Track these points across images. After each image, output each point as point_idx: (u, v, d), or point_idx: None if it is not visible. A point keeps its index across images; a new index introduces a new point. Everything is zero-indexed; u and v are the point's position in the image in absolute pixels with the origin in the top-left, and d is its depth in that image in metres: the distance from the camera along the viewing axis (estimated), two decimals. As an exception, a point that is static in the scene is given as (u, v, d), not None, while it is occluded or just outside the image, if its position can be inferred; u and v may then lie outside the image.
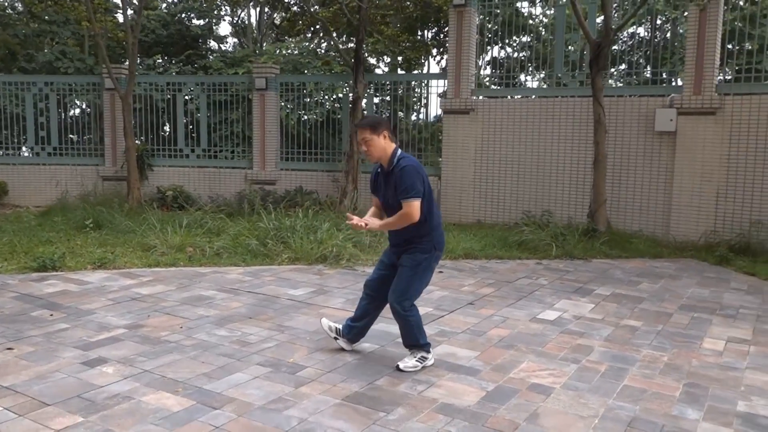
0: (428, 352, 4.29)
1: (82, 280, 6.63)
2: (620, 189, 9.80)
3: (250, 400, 3.69)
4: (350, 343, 4.57)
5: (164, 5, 20.38)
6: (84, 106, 14.80)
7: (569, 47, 12.02)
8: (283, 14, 21.16)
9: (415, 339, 4.24)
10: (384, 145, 4.08)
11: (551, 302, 6.06)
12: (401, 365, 4.19)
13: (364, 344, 4.70)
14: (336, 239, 7.88)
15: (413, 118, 13.87)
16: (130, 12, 13.50)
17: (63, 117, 14.18)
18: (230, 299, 5.95)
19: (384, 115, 13.02)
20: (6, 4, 22.30)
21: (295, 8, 17.17)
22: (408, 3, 14.33)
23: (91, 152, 13.38)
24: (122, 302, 5.79)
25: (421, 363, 4.22)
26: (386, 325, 5.10)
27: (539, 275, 7.25)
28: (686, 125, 9.19)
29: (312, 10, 14.25)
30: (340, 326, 4.57)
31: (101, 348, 4.54)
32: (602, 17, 9.09)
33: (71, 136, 13.94)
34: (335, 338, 4.56)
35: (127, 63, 18.34)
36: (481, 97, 10.96)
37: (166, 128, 14.18)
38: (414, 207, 3.97)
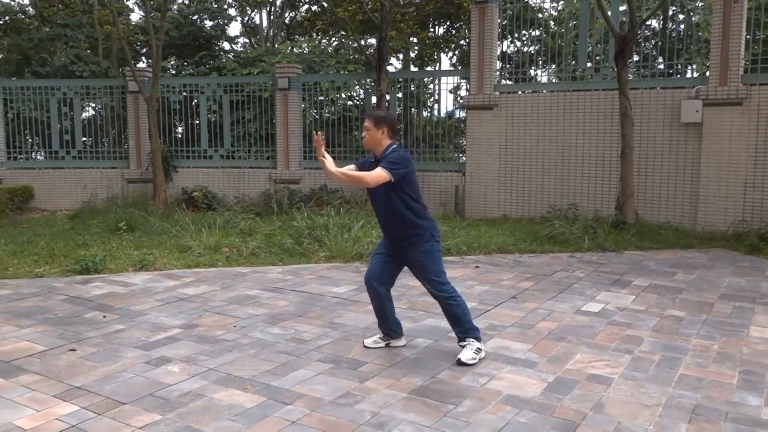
0: (479, 340, 4.38)
1: (127, 281, 6.75)
2: (647, 181, 9.85)
3: (319, 395, 3.78)
4: (400, 337, 4.68)
5: (175, 7, 20.50)
6: (99, 109, 14.94)
7: (590, 41, 12.04)
8: (298, 13, 21.23)
9: (466, 320, 4.35)
10: (380, 138, 4.33)
11: (592, 294, 6.14)
12: (462, 358, 4.26)
13: (418, 339, 4.80)
14: (370, 237, 7.97)
15: (426, 114, 13.96)
16: (156, 14, 13.57)
17: (85, 120, 14.35)
18: (276, 298, 6.05)
19: (397, 111, 13.07)
20: (17, 8, 22.50)
21: (315, 8, 17.22)
22: (428, 0, 14.36)
23: (115, 155, 13.51)
24: (171, 303, 5.89)
25: (477, 355, 4.31)
26: (436, 320, 5.19)
27: (575, 268, 7.32)
28: (712, 116, 9.23)
29: (334, 9, 14.29)
30: (380, 334, 4.68)
31: (162, 348, 4.64)
32: (627, 9, 9.12)
33: (84, 139, 14.05)
34: (387, 345, 4.65)
35: (145, 65, 18.55)
36: (504, 93, 11.01)
37: (179, 130, 14.30)
38: (380, 176, 4.17)
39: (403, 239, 4.36)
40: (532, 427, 3.37)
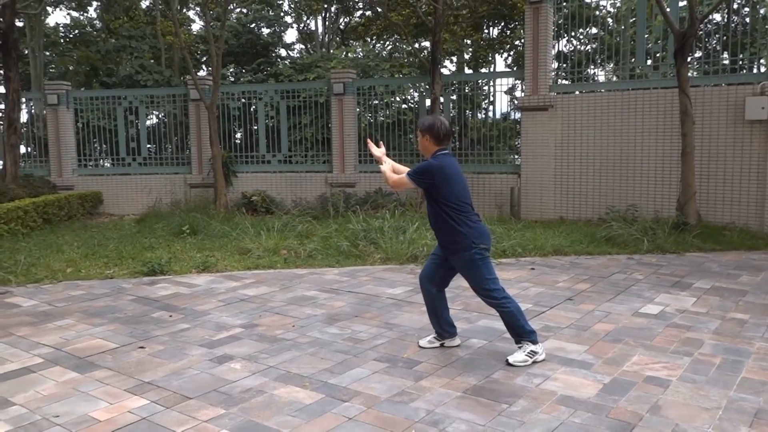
0: (535, 343, 4.37)
1: (190, 283, 7.01)
2: (709, 181, 9.59)
3: (376, 393, 3.87)
4: (453, 337, 4.74)
5: (234, 16, 21.07)
6: (162, 117, 15.53)
7: (649, 38, 11.80)
8: (352, 19, 21.51)
9: (519, 325, 4.36)
10: (426, 144, 4.46)
11: (651, 297, 6.04)
12: (510, 360, 4.31)
13: (472, 340, 4.84)
14: (425, 239, 8.03)
15: (481, 116, 13.92)
16: (216, 24, 14.01)
17: (150, 128, 14.92)
18: (333, 299, 6.19)
19: (451, 114, 13.03)
20: (86, 22, 23.58)
21: (369, 13, 17.43)
22: (481, 2, 14.34)
23: (178, 161, 14.00)
24: (232, 303, 6.10)
25: (531, 357, 4.31)
26: (491, 321, 5.22)
27: (633, 270, 7.21)
28: (779, 113, 8.93)
29: (387, 14, 14.44)
30: (434, 334, 4.75)
31: (224, 346, 4.83)
32: (686, 5, 8.91)
33: (148, 146, 14.57)
34: (442, 344, 4.72)
35: (205, 73, 19.14)
36: (560, 93, 10.91)
37: (238, 136, 14.69)
38: (400, 180, 4.49)
39: (445, 245, 4.45)
40: (587, 427, 3.38)
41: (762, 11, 11.28)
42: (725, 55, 10.95)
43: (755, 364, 4.25)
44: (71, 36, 22.86)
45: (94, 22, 23.61)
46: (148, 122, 15.30)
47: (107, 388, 4.03)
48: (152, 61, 19.46)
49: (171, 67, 19.79)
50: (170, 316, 5.71)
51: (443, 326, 4.67)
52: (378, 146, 4.76)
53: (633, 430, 3.34)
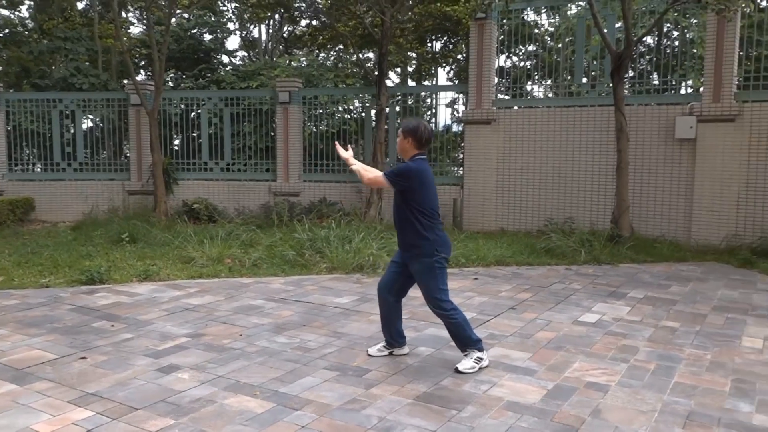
0: (481, 350, 4.50)
1: (132, 292, 6.86)
2: (642, 195, 10.03)
3: (327, 401, 3.90)
4: (402, 346, 4.81)
5: (175, 21, 20.70)
6: (98, 121, 15.07)
7: (586, 57, 12.26)
8: (296, 28, 21.48)
9: (466, 336, 4.47)
10: (406, 147, 4.53)
11: (589, 306, 6.28)
12: (460, 367, 4.41)
13: (421, 348, 4.93)
14: (371, 249, 8.10)
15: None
16: (157, 28, 13.74)
17: (87, 133, 14.47)
18: (280, 308, 6.17)
19: (396, 125, 13.20)
20: (17, 22, 22.70)
21: (315, 22, 17.45)
22: (427, 17, 14.60)
23: (115, 167, 13.63)
24: (177, 312, 6.01)
25: (478, 364, 4.44)
26: (438, 330, 5.31)
27: (572, 280, 7.47)
28: (706, 132, 9.43)
29: (334, 24, 14.53)
30: (383, 343, 4.81)
31: (170, 356, 4.76)
32: (623, 26, 9.33)
33: (84, 151, 14.10)
34: (391, 353, 4.78)
35: (143, 77, 18.73)
36: (501, 108, 11.21)
37: (177, 142, 14.41)
38: (376, 178, 4.54)
39: (407, 248, 4.51)
40: (533, 431, 3.50)
41: (689, 35, 11.90)
42: (656, 75, 11.48)
43: (686, 369, 4.49)
44: (1, 35, 21.95)
45: (26, 21, 22.74)
46: (83, 126, 14.83)
47: (49, 400, 3.92)
48: (88, 63, 18.90)
49: (108, 71, 19.25)
50: (112, 325, 5.57)
51: (394, 336, 4.74)
52: (345, 149, 4.80)
53: (576, 433, 3.49)
